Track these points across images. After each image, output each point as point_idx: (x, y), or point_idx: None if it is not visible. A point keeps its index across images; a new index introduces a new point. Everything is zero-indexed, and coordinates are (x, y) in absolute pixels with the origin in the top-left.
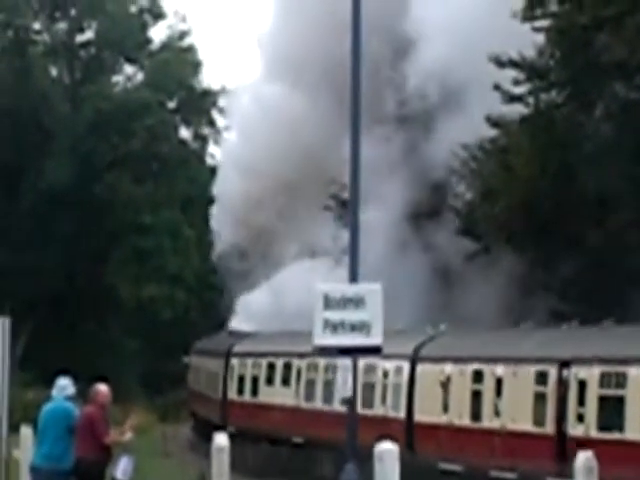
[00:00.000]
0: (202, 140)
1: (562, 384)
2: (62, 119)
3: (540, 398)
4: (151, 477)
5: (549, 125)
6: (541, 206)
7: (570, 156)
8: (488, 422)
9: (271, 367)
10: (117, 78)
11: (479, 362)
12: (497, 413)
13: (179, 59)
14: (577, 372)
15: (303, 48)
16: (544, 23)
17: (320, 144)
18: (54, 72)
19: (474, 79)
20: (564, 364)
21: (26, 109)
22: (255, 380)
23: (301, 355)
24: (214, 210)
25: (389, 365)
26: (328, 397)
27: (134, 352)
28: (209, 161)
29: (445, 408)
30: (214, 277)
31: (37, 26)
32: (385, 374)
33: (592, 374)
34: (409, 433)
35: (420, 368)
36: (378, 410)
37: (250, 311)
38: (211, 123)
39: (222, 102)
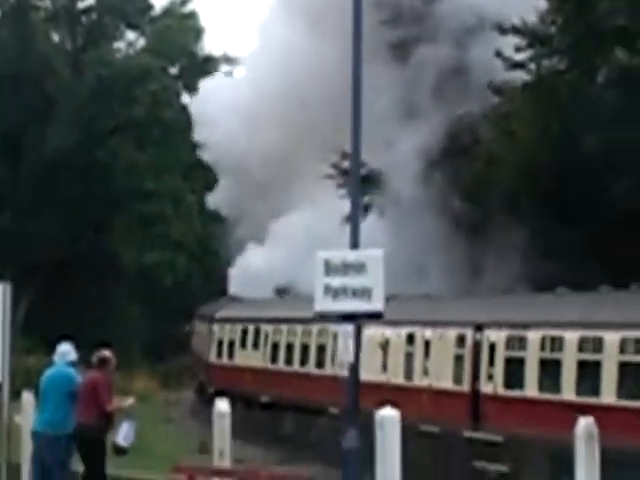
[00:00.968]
0: None
1: (476, 346)
2: (64, 85)
3: (459, 359)
4: (153, 443)
5: (551, 91)
6: (544, 172)
7: (572, 122)
8: (418, 381)
9: (244, 332)
10: (119, 44)
11: (412, 326)
12: (426, 372)
13: (181, 25)
14: (489, 335)
15: None
16: None
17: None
18: (56, 38)
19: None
20: (478, 328)
21: (28, 75)
22: (232, 344)
23: (268, 320)
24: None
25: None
26: (290, 359)
27: (136, 318)
28: None
29: (384, 368)
30: (216, 243)
31: None
32: (335, 337)
33: (500, 337)
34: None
35: (365, 331)
36: (329, 370)
37: (247, 275)
38: None
39: (224, 68)
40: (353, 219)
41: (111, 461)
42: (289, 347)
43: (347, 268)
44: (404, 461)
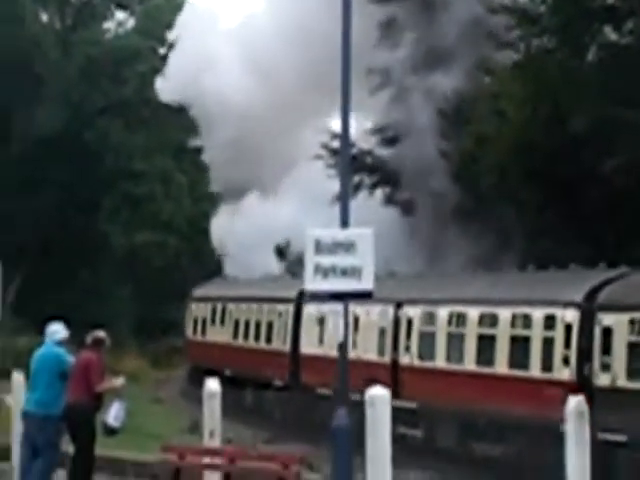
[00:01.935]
0: None
1: (397, 321)
2: (53, 65)
3: (382, 333)
4: (143, 423)
5: (540, 70)
6: (533, 151)
7: (561, 100)
8: (349, 353)
9: (214, 310)
10: (108, 24)
11: (386, 304)
12: (355, 345)
13: (170, 5)
14: (407, 311)
15: None
16: None
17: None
18: (45, 18)
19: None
20: (399, 305)
21: (17, 55)
22: (204, 321)
23: (232, 299)
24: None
25: (281, 307)
26: (247, 335)
27: (126, 299)
28: None
29: (321, 341)
30: (206, 223)
31: None
32: (280, 314)
33: (416, 313)
34: (294, 363)
35: (305, 309)
36: (275, 345)
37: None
38: None
39: None
40: (343, 198)
41: (101, 441)
42: (247, 324)
43: (337, 247)
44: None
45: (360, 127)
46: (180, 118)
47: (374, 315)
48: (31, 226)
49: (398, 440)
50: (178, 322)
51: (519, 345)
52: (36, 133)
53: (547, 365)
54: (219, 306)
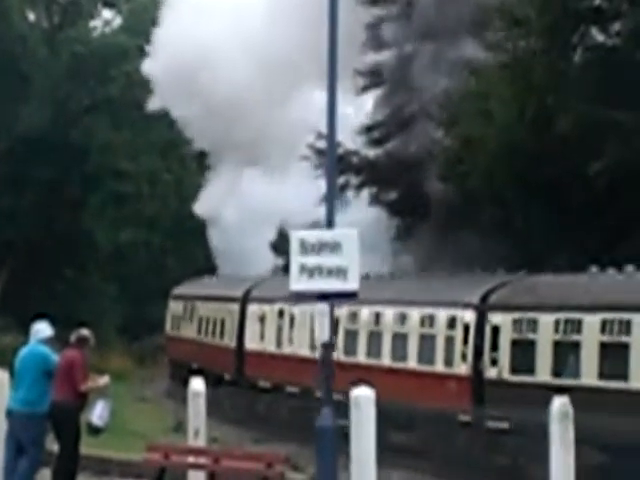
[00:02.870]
0: None
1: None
2: (39, 63)
3: (314, 331)
4: (128, 422)
5: (527, 72)
6: (520, 152)
7: (548, 102)
8: (285, 349)
9: (185, 308)
10: (95, 23)
11: (281, 302)
12: (291, 341)
13: (157, 4)
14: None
15: None
16: None
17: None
18: (32, 16)
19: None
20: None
21: (3, 53)
22: (179, 318)
23: (198, 298)
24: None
25: (230, 306)
26: (207, 332)
27: (111, 297)
28: None
29: (262, 338)
30: (191, 222)
31: None
32: (229, 312)
33: (342, 313)
34: (239, 358)
35: (249, 307)
36: (224, 342)
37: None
38: None
39: None
40: (329, 199)
41: (86, 440)
42: (207, 321)
43: (322, 247)
44: (277, 418)
45: (346, 127)
46: (166, 116)
47: (308, 314)
48: (16, 224)
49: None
50: (163, 321)
51: (427, 343)
52: (22, 131)
53: (449, 360)
54: (189, 304)
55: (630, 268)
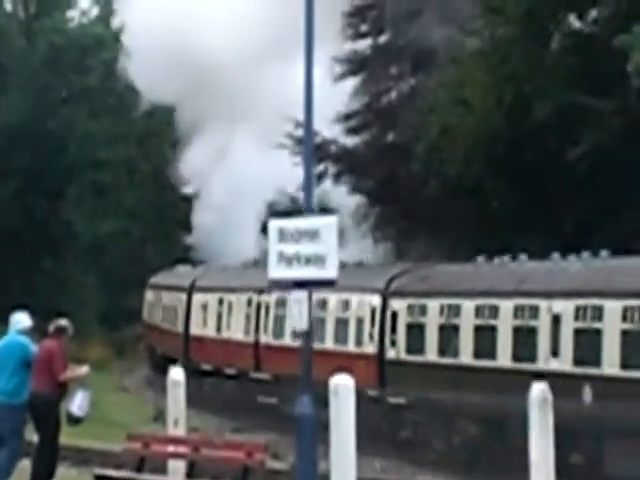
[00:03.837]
0: None
1: (258, 306)
2: (17, 54)
3: (248, 317)
4: (108, 412)
5: (504, 59)
6: (498, 140)
7: (526, 89)
8: (224, 334)
9: (155, 296)
10: (72, 13)
11: (222, 292)
12: (228, 327)
13: None
14: (266, 298)
15: None
16: None
17: None
18: (9, 7)
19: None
20: (260, 292)
21: None
22: (151, 306)
23: (164, 287)
24: None
25: (181, 295)
26: (167, 319)
27: (91, 287)
28: None
29: (205, 324)
30: (170, 211)
31: None
32: (179, 299)
33: (272, 299)
34: (186, 343)
35: (194, 296)
36: (177, 328)
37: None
38: None
39: None
40: (307, 186)
41: (66, 430)
42: (166, 309)
43: (301, 235)
44: (215, 397)
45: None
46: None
47: (242, 302)
48: None
49: (261, 408)
50: (142, 310)
51: (341, 325)
52: (0, 121)
53: (359, 341)
54: (158, 293)
55: (524, 257)
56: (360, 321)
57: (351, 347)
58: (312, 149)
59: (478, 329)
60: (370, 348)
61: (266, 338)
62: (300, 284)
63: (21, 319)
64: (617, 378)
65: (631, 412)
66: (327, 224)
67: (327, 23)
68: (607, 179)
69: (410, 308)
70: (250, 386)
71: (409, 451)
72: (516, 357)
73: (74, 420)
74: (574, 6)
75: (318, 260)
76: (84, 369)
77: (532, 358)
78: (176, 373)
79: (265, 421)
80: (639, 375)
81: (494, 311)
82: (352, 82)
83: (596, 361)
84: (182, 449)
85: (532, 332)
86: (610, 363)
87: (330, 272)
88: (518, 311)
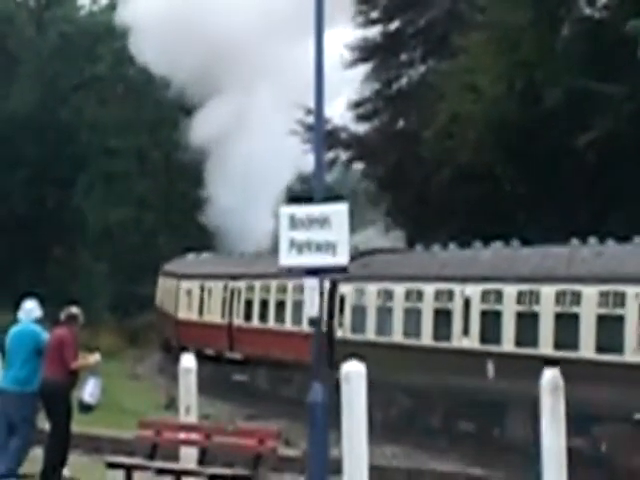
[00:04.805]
0: None
1: (232, 292)
2: (27, 43)
3: (224, 301)
4: (120, 400)
5: (515, 46)
6: (509, 127)
7: (536, 75)
8: (206, 317)
9: (163, 284)
10: (82, 1)
11: (203, 279)
12: (209, 311)
13: None
14: (239, 284)
15: None
16: None
17: None
18: None
19: None
20: (234, 278)
21: None
22: (162, 293)
23: (166, 274)
24: None
25: (173, 282)
26: (165, 304)
27: (102, 276)
28: None
29: (190, 308)
30: (181, 200)
31: None
32: (174, 286)
33: (242, 285)
34: (177, 326)
35: (182, 283)
36: (171, 312)
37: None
38: None
39: None
40: (317, 174)
41: (77, 418)
42: (167, 294)
43: (312, 222)
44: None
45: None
46: (154, 93)
47: (219, 287)
48: (7, 203)
49: (234, 384)
50: (154, 298)
51: (281, 307)
52: (11, 110)
53: (300, 321)
54: (165, 280)
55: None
56: (299, 304)
57: (288, 326)
58: (323, 136)
59: (407, 311)
60: None
61: (237, 321)
62: (311, 271)
63: (34, 308)
64: (513, 355)
65: (525, 385)
66: (338, 211)
67: (338, 9)
68: (618, 165)
69: (356, 292)
70: (224, 365)
71: (420, 437)
72: (436, 336)
73: (85, 408)
74: None
75: (329, 247)
76: (95, 357)
77: (448, 337)
78: (187, 360)
79: (278, 408)
80: (530, 352)
81: (419, 295)
82: (363, 69)
83: (497, 340)
84: (194, 436)
85: (448, 314)
86: (508, 341)
87: (341, 259)
88: (439, 295)
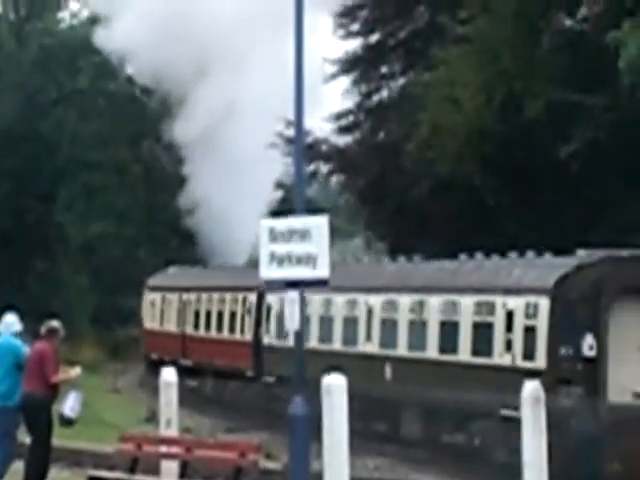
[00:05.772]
0: None
1: (184, 304)
2: (7, 56)
3: (180, 312)
4: (101, 413)
5: (494, 58)
6: (490, 138)
7: (517, 86)
8: (166, 326)
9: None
10: (62, 15)
11: (180, 291)
12: (169, 321)
13: None
14: (188, 296)
15: None
16: None
17: None
18: None
19: None
20: (186, 290)
21: None
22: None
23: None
24: None
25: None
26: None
27: (83, 289)
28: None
29: (161, 321)
30: (162, 213)
31: None
32: (143, 298)
33: (191, 297)
34: (142, 336)
35: (147, 295)
36: (154, 325)
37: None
38: None
39: None
40: (298, 187)
41: (59, 432)
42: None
43: (292, 235)
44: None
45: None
46: (134, 107)
47: (174, 300)
48: None
49: (188, 391)
50: (136, 312)
51: (233, 318)
52: None
53: (235, 330)
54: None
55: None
56: (242, 315)
57: (237, 336)
58: (303, 149)
59: (322, 319)
60: (247, 336)
61: (189, 330)
62: (292, 284)
63: (14, 322)
64: (407, 359)
65: (418, 387)
66: (318, 224)
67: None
68: (599, 176)
69: (280, 301)
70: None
71: (403, 449)
72: (345, 341)
73: (66, 421)
74: (563, 4)
75: (309, 260)
76: (76, 371)
77: (354, 342)
78: (168, 374)
79: (258, 421)
80: (421, 355)
81: (330, 304)
82: (343, 81)
83: (394, 344)
84: (175, 450)
85: (354, 322)
86: (402, 346)
87: (322, 272)
88: (348, 304)
